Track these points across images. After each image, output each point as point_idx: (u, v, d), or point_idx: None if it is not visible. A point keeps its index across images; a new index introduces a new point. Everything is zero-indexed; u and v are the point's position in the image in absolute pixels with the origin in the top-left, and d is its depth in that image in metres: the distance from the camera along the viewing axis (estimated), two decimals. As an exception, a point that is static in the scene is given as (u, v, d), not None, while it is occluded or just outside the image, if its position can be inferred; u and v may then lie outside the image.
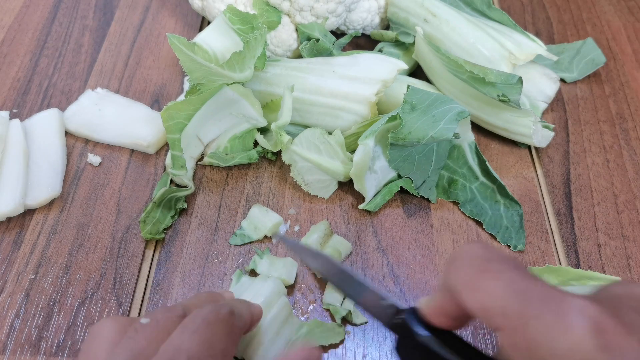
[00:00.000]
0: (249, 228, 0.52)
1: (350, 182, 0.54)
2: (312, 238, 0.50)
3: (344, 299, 0.48)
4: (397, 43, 0.65)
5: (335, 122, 0.56)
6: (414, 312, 0.32)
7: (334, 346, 0.45)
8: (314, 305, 0.48)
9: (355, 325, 0.47)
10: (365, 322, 0.47)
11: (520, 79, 0.53)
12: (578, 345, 0.24)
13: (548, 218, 0.55)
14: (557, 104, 0.65)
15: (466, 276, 0.28)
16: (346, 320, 0.47)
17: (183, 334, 0.33)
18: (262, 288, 0.46)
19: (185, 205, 0.54)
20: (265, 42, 0.53)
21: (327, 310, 0.47)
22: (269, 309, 0.44)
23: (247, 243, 0.52)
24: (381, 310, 0.35)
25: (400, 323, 0.33)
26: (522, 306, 0.25)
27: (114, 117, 0.59)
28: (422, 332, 0.31)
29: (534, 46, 0.60)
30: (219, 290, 0.48)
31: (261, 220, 0.52)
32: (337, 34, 0.68)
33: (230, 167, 0.57)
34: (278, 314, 0.44)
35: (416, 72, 0.65)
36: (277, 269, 0.49)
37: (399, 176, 0.55)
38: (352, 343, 0.46)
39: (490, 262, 0.28)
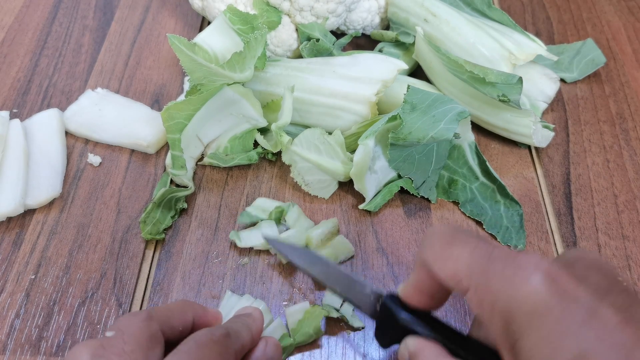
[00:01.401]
0: (256, 211, 0.53)
1: (350, 182, 0.54)
2: (316, 232, 0.50)
3: (342, 302, 0.47)
4: (397, 43, 0.65)
5: (336, 122, 0.56)
6: (392, 297, 0.35)
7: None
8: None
9: (352, 329, 0.46)
10: (363, 327, 0.46)
11: (520, 79, 0.53)
12: (534, 293, 0.27)
13: (548, 218, 0.55)
14: (557, 104, 0.65)
15: (436, 249, 0.32)
16: (345, 324, 0.47)
17: (174, 356, 0.33)
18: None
19: (185, 205, 0.54)
20: (266, 42, 0.53)
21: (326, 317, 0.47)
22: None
23: (255, 222, 0.52)
24: (363, 298, 0.37)
25: (382, 308, 0.35)
26: (485, 265, 0.29)
27: (114, 117, 0.59)
28: (401, 314, 0.34)
29: (534, 46, 0.60)
30: (213, 301, 0.47)
31: (267, 204, 0.53)
32: (337, 34, 0.68)
33: (231, 167, 0.57)
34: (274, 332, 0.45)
35: (416, 72, 0.65)
36: (302, 224, 0.51)
37: (399, 176, 0.55)
38: (352, 343, 0.46)
39: (455, 235, 0.32)
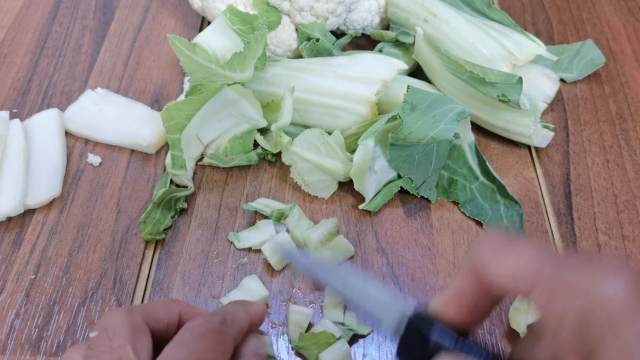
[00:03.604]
0: (259, 205, 0.53)
1: (350, 182, 0.54)
2: (316, 232, 0.50)
3: (344, 312, 0.47)
4: (397, 43, 0.65)
5: (335, 122, 0.56)
6: (419, 316, 0.31)
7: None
8: (314, 305, 0.48)
9: (363, 336, 0.46)
10: (372, 331, 0.47)
11: (520, 79, 0.53)
12: (618, 295, 0.24)
13: (548, 218, 0.55)
14: (557, 104, 0.65)
15: (494, 249, 0.28)
16: (355, 335, 0.46)
17: (172, 348, 0.32)
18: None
19: (185, 205, 0.54)
20: (266, 42, 0.53)
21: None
22: None
23: (257, 216, 0.53)
24: (387, 318, 0.33)
25: (408, 328, 0.31)
26: (558, 263, 0.26)
27: (114, 117, 0.59)
28: (434, 335, 0.30)
29: (534, 46, 0.60)
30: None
31: (269, 204, 0.53)
32: (337, 34, 0.68)
33: (230, 167, 0.57)
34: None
35: (416, 72, 0.65)
36: (302, 227, 0.51)
37: (399, 176, 0.55)
38: (353, 343, 0.46)
39: (515, 237, 0.28)
